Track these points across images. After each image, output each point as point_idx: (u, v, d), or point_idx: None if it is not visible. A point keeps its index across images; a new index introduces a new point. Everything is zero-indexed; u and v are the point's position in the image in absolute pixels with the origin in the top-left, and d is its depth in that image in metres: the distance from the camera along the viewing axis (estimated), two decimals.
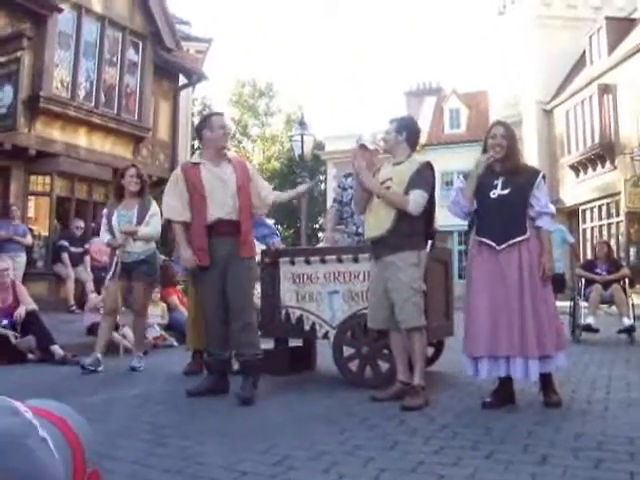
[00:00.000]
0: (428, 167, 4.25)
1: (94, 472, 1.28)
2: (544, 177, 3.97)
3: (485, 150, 4.00)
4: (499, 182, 3.88)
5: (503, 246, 3.79)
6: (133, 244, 5.56)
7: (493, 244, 3.83)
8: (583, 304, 8.18)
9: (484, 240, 3.89)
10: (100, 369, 5.37)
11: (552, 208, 3.99)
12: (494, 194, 3.88)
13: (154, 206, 5.78)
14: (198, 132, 4.55)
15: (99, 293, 7.48)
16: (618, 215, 20.32)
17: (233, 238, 4.34)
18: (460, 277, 18.48)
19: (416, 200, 4.06)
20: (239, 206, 4.35)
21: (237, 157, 4.75)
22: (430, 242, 4.37)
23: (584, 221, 22.50)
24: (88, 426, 1.34)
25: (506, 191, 3.85)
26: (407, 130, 4.30)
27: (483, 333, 3.76)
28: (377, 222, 4.17)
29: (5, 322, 6.09)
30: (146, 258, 5.65)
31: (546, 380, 3.85)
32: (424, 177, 4.17)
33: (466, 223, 4.24)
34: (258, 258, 4.92)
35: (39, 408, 1.24)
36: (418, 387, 3.96)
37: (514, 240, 3.78)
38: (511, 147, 3.94)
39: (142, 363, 5.61)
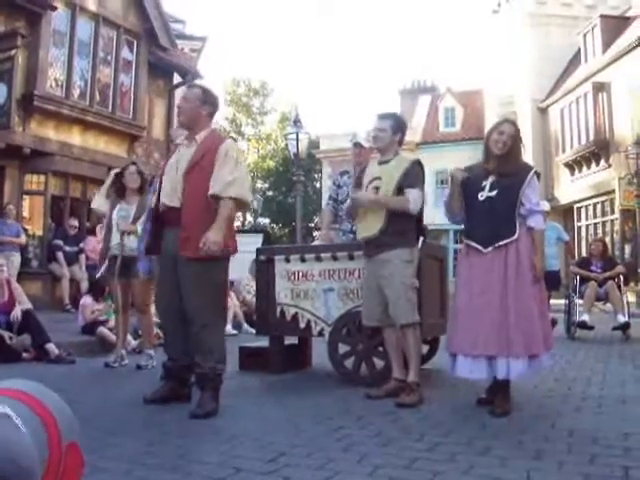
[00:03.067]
0: (418, 165, 4.26)
1: (72, 444, 1.27)
2: (538, 174, 3.89)
3: (487, 144, 3.88)
4: (487, 183, 3.80)
5: (489, 249, 3.72)
6: (128, 238, 5.56)
7: (480, 247, 3.76)
8: (578, 301, 8.20)
9: (471, 244, 3.84)
10: (125, 363, 5.69)
11: (546, 206, 3.92)
12: (482, 196, 3.79)
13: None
14: None
15: (94, 295, 7.42)
16: (613, 213, 20.39)
17: (178, 230, 3.77)
18: (455, 275, 18.52)
19: (415, 199, 4.09)
20: (183, 192, 3.78)
21: (215, 136, 3.95)
22: (422, 238, 4.37)
23: (579, 219, 22.58)
24: (62, 402, 1.34)
25: (494, 193, 3.75)
26: (401, 132, 4.30)
27: (461, 332, 3.71)
28: (369, 222, 4.17)
29: (2, 320, 6.06)
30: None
31: (504, 387, 3.69)
32: (416, 175, 4.19)
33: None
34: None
35: (5, 388, 1.25)
36: (413, 384, 3.96)
37: (500, 243, 3.69)
38: (513, 149, 3.82)
39: (150, 362, 5.53)
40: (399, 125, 4.30)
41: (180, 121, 4.06)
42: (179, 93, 15.01)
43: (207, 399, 3.63)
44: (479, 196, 3.81)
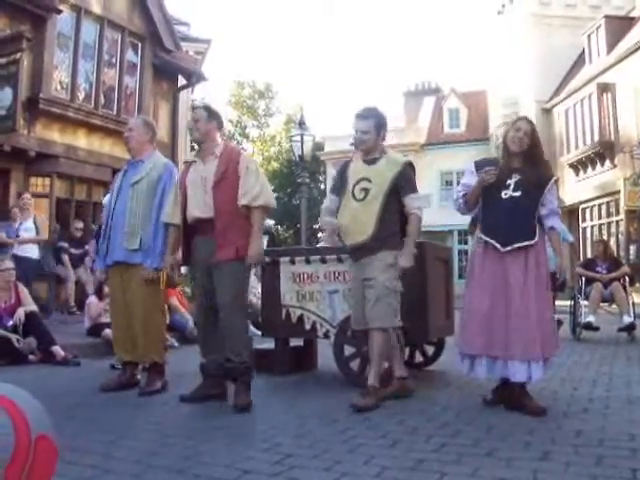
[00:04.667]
0: (410, 167, 4.24)
1: (42, 436, 1.36)
2: (556, 181, 3.91)
3: (505, 142, 3.85)
4: (512, 182, 3.75)
5: (508, 249, 3.69)
6: None
7: (498, 246, 3.73)
8: (583, 302, 8.19)
9: (489, 241, 3.78)
10: None
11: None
12: (505, 194, 3.75)
13: None
14: None
15: (100, 296, 7.43)
16: (618, 214, 20.36)
17: (213, 237, 4.10)
18: (460, 277, 18.49)
19: (420, 206, 4.11)
20: (214, 203, 4.07)
21: (231, 150, 4.33)
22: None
23: (584, 220, 22.54)
24: (31, 398, 1.42)
25: (518, 193, 3.72)
26: (383, 129, 4.22)
27: (481, 332, 3.68)
28: (359, 228, 4.08)
29: (9, 323, 6.08)
30: None
31: (522, 391, 3.65)
32: (412, 179, 4.19)
33: (464, 218, 4.20)
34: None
35: None
36: (371, 387, 3.91)
37: (519, 244, 3.67)
38: (534, 146, 3.80)
39: None
40: (382, 123, 4.20)
41: (195, 138, 4.40)
42: (183, 96, 15.08)
43: (242, 391, 3.90)
44: (503, 194, 3.76)
